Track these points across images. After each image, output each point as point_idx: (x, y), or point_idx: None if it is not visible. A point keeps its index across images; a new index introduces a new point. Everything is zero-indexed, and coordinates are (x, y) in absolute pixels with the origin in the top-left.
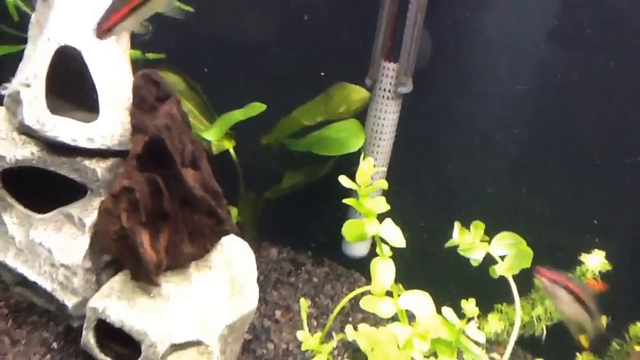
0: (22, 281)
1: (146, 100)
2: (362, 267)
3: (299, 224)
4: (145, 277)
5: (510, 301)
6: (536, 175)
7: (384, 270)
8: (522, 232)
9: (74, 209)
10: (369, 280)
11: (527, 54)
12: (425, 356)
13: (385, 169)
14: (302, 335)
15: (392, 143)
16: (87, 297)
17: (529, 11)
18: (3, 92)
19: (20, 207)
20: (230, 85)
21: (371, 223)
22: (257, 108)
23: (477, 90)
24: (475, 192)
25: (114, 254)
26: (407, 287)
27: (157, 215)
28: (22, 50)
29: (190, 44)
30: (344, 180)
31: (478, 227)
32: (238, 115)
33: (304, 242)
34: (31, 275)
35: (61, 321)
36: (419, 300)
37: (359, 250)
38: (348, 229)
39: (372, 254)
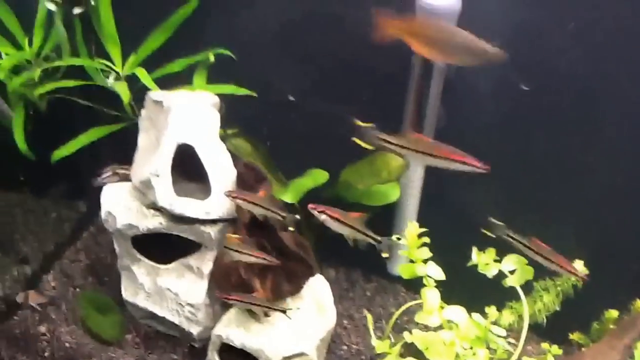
0: (150, 316)
1: (247, 182)
2: (402, 281)
3: (350, 251)
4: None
5: (517, 299)
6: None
7: (431, 296)
8: None
9: (192, 260)
10: (409, 290)
11: None
12: (464, 348)
13: None
14: (376, 342)
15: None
16: (207, 325)
17: None
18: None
19: (147, 261)
20: (290, 147)
21: (420, 266)
22: (322, 176)
23: None
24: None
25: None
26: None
27: (264, 266)
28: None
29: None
30: (396, 240)
31: (490, 252)
32: (308, 182)
33: (354, 263)
34: (160, 312)
35: (185, 344)
36: (457, 312)
37: None
38: (404, 269)
39: None
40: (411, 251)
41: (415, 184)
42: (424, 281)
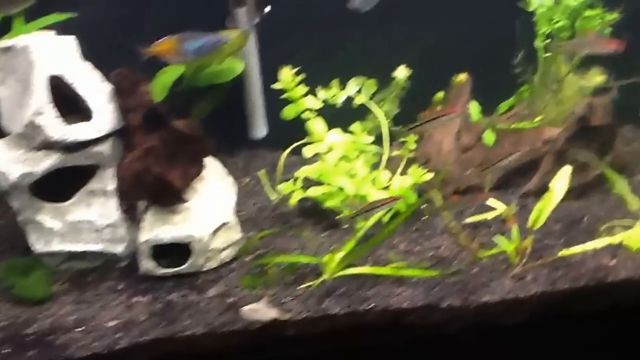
0: (67, 259)
1: (125, 88)
2: (266, 145)
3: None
4: (175, 201)
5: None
6: None
7: (318, 125)
8: None
9: (93, 184)
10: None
11: None
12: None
13: None
14: (282, 186)
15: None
16: (129, 239)
17: None
18: None
19: (49, 204)
20: None
21: (301, 102)
22: (179, 69)
23: None
24: None
25: (145, 198)
26: None
27: (170, 156)
28: None
29: None
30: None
31: (334, 83)
32: (168, 78)
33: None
34: (80, 247)
35: (110, 268)
36: (337, 135)
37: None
38: (288, 110)
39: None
40: (290, 93)
41: (252, 52)
42: (305, 115)
